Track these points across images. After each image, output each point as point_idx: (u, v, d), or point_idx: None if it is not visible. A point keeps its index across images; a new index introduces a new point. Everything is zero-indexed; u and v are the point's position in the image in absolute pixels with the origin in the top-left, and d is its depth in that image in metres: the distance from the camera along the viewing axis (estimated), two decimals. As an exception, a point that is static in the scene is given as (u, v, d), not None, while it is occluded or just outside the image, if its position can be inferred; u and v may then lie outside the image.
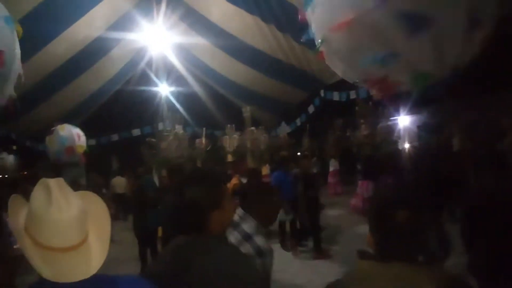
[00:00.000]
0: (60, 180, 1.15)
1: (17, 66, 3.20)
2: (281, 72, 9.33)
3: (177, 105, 9.92)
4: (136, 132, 10.87)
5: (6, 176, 9.81)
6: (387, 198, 1.33)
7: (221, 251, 1.39)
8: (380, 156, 8.15)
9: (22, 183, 9.63)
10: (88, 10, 7.36)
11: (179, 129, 8.65)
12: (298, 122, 10.92)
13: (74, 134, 7.53)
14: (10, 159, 9.87)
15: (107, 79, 9.77)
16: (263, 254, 1.84)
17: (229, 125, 9.56)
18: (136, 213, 6.08)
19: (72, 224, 1.07)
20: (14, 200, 1.18)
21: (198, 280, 1.26)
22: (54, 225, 1.05)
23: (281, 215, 6.50)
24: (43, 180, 1.13)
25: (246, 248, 1.84)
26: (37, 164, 9.83)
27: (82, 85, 9.22)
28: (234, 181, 6.45)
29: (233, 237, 1.89)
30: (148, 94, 9.75)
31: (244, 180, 6.44)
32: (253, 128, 9.50)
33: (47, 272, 1.03)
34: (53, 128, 7.26)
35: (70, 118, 10.14)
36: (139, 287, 1.24)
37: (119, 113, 10.87)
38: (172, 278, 1.27)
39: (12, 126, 9.03)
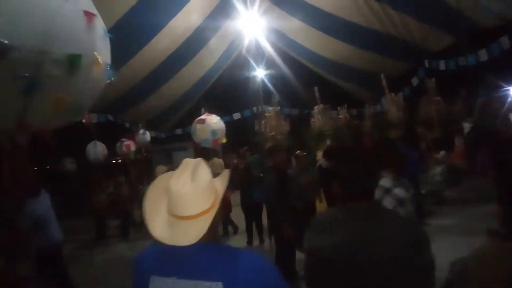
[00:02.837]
0: (198, 160, 1.30)
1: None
2: (379, 45, 8.77)
3: (273, 88, 10.17)
4: (236, 115, 11.41)
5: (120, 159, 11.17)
6: None
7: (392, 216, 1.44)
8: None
9: (136, 165, 11.04)
10: (185, 4, 7.65)
11: (275, 110, 8.90)
12: (401, 96, 10.20)
13: (222, 129, 7.85)
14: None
15: (207, 68, 10.34)
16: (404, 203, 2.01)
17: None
18: (243, 189, 6.56)
19: (187, 198, 1.19)
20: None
21: (385, 247, 1.23)
22: (174, 196, 1.20)
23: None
24: (186, 160, 1.31)
25: (387, 201, 2.07)
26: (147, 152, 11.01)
27: (186, 76, 9.80)
28: None
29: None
30: (246, 78, 10.11)
31: None
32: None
33: (163, 235, 1.19)
34: (203, 118, 7.81)
35: (177, 107, 11.16)
36: (259, 262, 1.24)
37: (220, 98, 11.55)
38: (359, 248, 1.24)
39: (126, 116, 9.99)
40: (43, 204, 4.34)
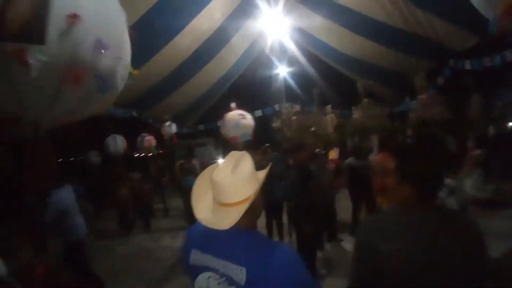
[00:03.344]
0: (242, 153, 1.41)
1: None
2: (403, 43, 8.64)
3: (295, 86, 10.14)
4: (258, 113, 11.42)
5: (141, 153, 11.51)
6: None
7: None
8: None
9: (156, 160, 11.25)
10: (208, 2, 7.71)
11: (297, 108, 8.89)
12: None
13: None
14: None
15: (229, 66, 10.41)
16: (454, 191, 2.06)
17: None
18: (264, 186, 6.58)
19: (225, 187, 1.30)
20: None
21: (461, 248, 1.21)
22: (215, 185, 1.32)
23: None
24: (232, 152, 1.42)
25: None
26: (172, 144, 11.25)
27: (208, 74, 9.93)
28: None
29: None
30: (267, 76, 10.12)
31: None
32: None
33: (206, 218, 1.33)
34: (243, 113, 8.01)
35: (199, 104, 11.29)
36: (290, 255, 1.26)
37: (242, 96, 11.63)
38: (430, 253, 1.20)
39: (150, 112, 10.26)
40: (68, 196, 4.40)
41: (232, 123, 7.78)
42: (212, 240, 1.34)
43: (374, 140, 8.61)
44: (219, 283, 1.27)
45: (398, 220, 1.33)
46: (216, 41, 8.95)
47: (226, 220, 1.26)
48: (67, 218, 4.26)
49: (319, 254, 4.98)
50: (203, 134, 11.82)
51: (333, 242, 6.23)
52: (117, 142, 9.76)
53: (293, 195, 4.61)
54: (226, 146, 8.65)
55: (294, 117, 9.79)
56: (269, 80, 10.36)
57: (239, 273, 1.22)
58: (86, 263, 4.69)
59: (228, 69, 10.45)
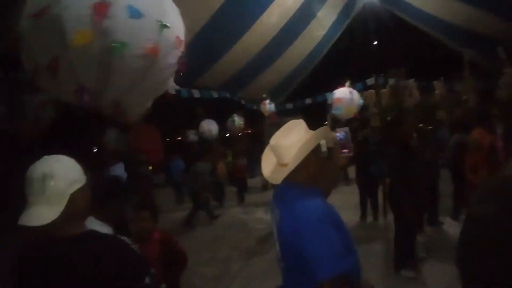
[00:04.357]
0: (297, 121, 1.64)
1: None
2: (505, 8, 7.40)
3: (387, 58, 9.51)
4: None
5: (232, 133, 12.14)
6: None
7: None
8: None
9: (247, 138, 11.75)
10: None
11: (392, 82, 8.38)
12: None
13: None
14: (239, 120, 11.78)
15: (317, 40, 10.15)
16: None
17: None
18: (359, 163, 6.47)
19: (276, 150, 1.57)
20: None
21: None
22: (271, 148, 1.61)
23: None
24: (291, 121, 1.65)
25: None
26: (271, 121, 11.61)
27: (296, 50, 9.76)
28: None
29: None
30: (357, 50, 9.68)
31: None
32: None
33: (266, 174, 1.65)
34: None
35: (287, 83, 11.29)
36: (314, 218, 1.40)
37: (330, 72, 11.34)
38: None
39: (242, 93, 10.39)
40: (123, 171, 4.54)
41: (358, 100, 8.04)
42: (277, 190, 1.70)
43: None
44: (273, 217, 1.69)
45: (494, 183, 1.23)
46: (303, 15, 8.71)
47: (277, 176, 1.56)
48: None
49: (418, 237, 4.71)
50: (291, 112, 11.87)
51: (434, 226, 5.85)
52: (211, 125, 10.60)
53: (392, 173, 4.41)
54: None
55: (387, 91, 9.23)
56: (359, 54, 9.85)
57: (277, 213, 1.60)
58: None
59: (316, 43, 10.17)
